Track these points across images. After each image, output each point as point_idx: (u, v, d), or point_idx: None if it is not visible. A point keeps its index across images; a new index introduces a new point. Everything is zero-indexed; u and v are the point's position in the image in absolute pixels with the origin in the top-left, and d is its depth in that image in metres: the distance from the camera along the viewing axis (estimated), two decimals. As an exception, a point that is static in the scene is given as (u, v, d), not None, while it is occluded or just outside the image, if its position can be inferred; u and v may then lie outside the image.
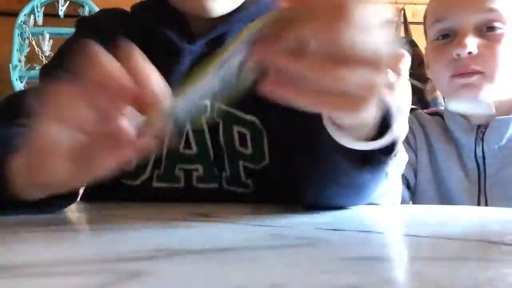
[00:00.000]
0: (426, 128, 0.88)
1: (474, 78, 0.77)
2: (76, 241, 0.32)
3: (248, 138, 0.72)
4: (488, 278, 0.21)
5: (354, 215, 0.53)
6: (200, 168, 0.69)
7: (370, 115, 0.36)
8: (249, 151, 0.71)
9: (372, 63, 0.28)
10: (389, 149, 0.42)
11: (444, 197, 0.83)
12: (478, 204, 0.79)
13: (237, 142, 0.71)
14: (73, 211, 0.55)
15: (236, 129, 0.71)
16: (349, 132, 0.40)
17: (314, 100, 0.30)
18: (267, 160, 0.72)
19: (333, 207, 0.53)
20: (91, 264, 0.23)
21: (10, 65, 2.12)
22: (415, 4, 2.48)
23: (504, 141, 0.81)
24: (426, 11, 0.91)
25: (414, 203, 0.87)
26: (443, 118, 0.88)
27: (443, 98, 0.93)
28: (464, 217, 0.49)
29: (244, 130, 0.71)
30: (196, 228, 0.39)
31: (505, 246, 0.30)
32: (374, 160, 0.43)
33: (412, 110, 0.92)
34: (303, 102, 0.30)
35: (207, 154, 0.69)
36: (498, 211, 0.59)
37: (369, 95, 0.30)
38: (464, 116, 0.84)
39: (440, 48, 0.82)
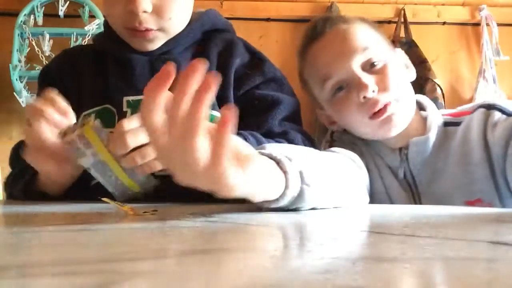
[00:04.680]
0: (360, 148, 0.89)
1: (388, 112, 0.79)
2: (76, 241, 0.32)
3: None
4: (488, 278, 0.21)
5: (354, 215, 0.53)
6: None
7: None
8: None
9: None
10: None
11: None
12: None
13: None
14: (72, 211, 0.55)
15: None
16: None
17: None
18: None
19: None
20: (91, 264, 0.23)
21: (10, 65, 2.11)
22: (415, 4, 2.48)
23: (426, 158, 0.83)
24: (304, 81, 0.91)
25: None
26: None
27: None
28: (464, 217, 0.49)
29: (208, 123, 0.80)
30: (196, 228, 0.39)
31: (505, 246, 0.30)
32: None
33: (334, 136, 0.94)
34: None
35: None
36: (499, 211, 0.59)
37: None
38: (384, 141, 0.86)
39: (344, 99, 0.82)
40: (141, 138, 0.62)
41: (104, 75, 0.86)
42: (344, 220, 0.51)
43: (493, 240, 0.32)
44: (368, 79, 0.79)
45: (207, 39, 0.90)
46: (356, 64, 0.81)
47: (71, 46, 2.10)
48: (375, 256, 0.26)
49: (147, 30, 0.80)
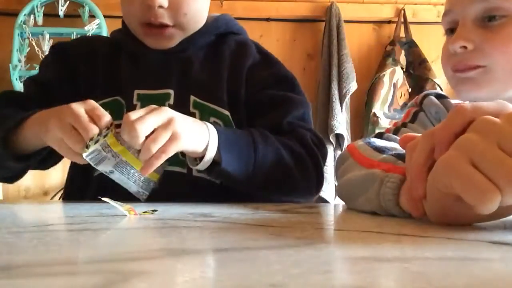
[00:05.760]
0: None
1: (472, 73, 0.69)
2: (76, 241, 0.32)
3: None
4: (488, 278, 0.21)
5: (354, 215, 0.53)
6: None
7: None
8: None
9: None
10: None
11: None
12: None
13: None
14: (72, 211, 0.55)
15: (212, 119, 0.82)
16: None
17: None
18: None
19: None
20: (91, 264, 0.23)
21: (10, 65, 2.12)
22: (415, 4, 2.48)
23: None
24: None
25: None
26: None
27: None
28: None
29: (218, 121, 0.82)
30: (196, 228, 0.39)
31: (505, 246, 0.30)
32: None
33: (442, 96, 0.83)
34: None
35: None
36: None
37: None
38: None
39: (445, 43, 0.75)
40: (149, 123, 0.63)
41: (117, 67, 0.87)
42: (344, 220, 0.51)
43: (493, 240, 0.32)
44: (467, 32, 0.69)
45: (221, 41, 0.91)
46: (471, 10, 0.69)
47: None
48: (375, 256, 0.26)
49: (163, 26, 0.81)
